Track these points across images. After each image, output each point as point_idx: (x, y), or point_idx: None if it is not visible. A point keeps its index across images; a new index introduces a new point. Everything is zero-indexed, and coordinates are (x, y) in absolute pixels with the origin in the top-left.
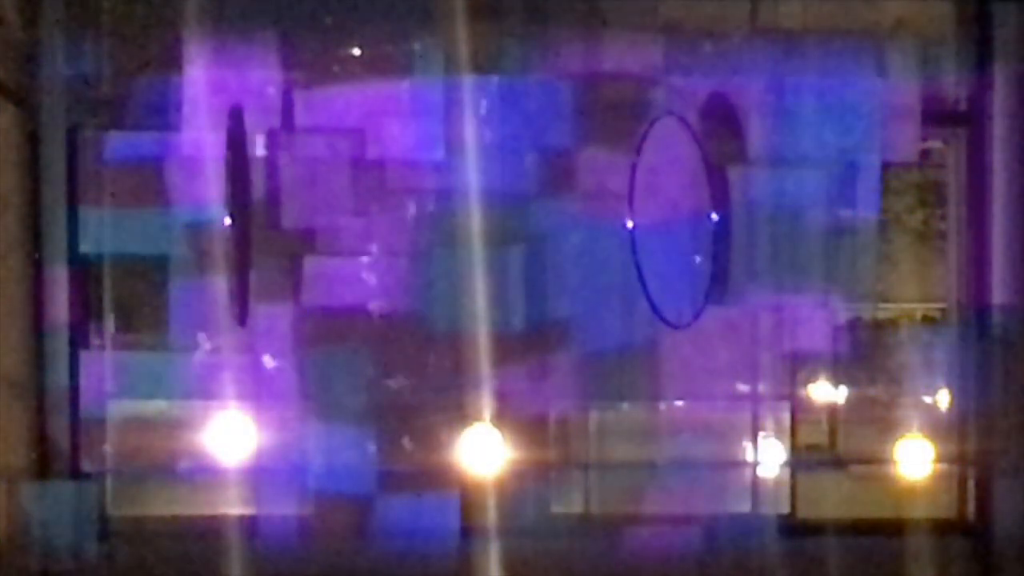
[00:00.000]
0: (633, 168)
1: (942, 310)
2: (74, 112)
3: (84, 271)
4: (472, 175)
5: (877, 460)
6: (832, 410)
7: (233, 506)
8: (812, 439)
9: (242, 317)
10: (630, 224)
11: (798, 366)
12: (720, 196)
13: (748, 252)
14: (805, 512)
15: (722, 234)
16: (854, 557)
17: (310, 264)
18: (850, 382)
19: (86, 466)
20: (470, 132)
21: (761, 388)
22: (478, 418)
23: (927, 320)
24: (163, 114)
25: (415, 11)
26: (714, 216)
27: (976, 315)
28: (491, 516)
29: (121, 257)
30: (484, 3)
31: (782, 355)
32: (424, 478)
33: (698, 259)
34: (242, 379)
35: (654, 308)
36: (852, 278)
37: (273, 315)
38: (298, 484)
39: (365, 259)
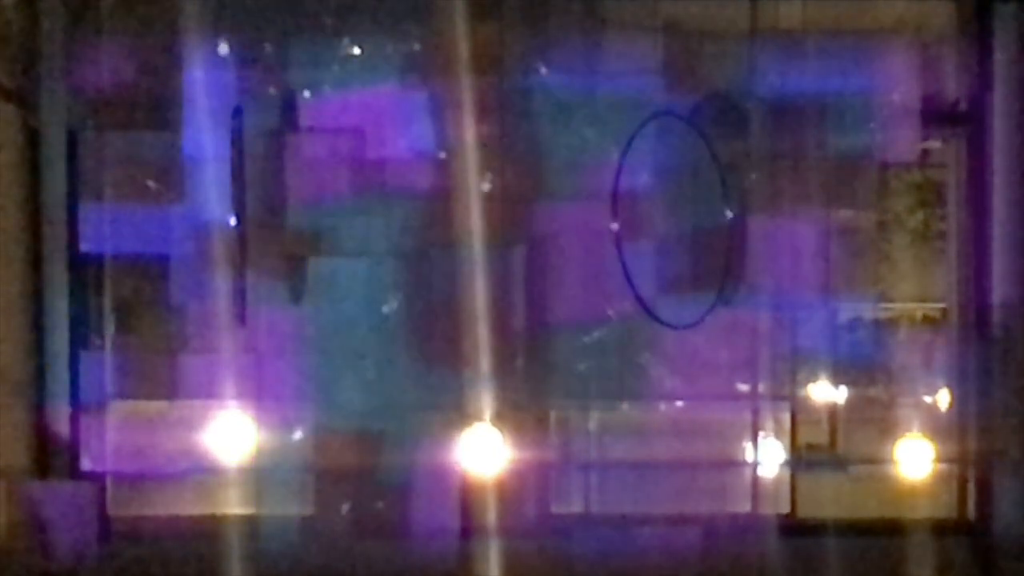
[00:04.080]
0: (619, 168)
1: (942, 310)
2: (74, 112)
3: (84, 271)
4: (472, 175)
5: (877, 460)
6: (832, 410)
7: (233, 506)
8: (812, 439)
9: (242, 317)
10: (615, 226)
11: (798, 366)
12: (729, 196)
13: (748, 252)
14: (805, 512)
15: (735, 234)
16: (854, 557)
17: (310, 264)
18: (850, 382)
19: (86, 466)
20: (469, 132)
21: (761, 388)
22: (478, 418)
23: (927, 320)
24: (163, 114)
25: (415, 11)
26: (728, 214)
27: (976, 315)
28: (491, 516)
29: (121, 257)
30: (484, 3)
31: (782, 355)
32: (424, 478)
33: (693, 261)
34: (242, 379)
35: (646, 309)
36: (852, 278)
37: (273, 315)
38: (298, 484)
39: (365, 259)
